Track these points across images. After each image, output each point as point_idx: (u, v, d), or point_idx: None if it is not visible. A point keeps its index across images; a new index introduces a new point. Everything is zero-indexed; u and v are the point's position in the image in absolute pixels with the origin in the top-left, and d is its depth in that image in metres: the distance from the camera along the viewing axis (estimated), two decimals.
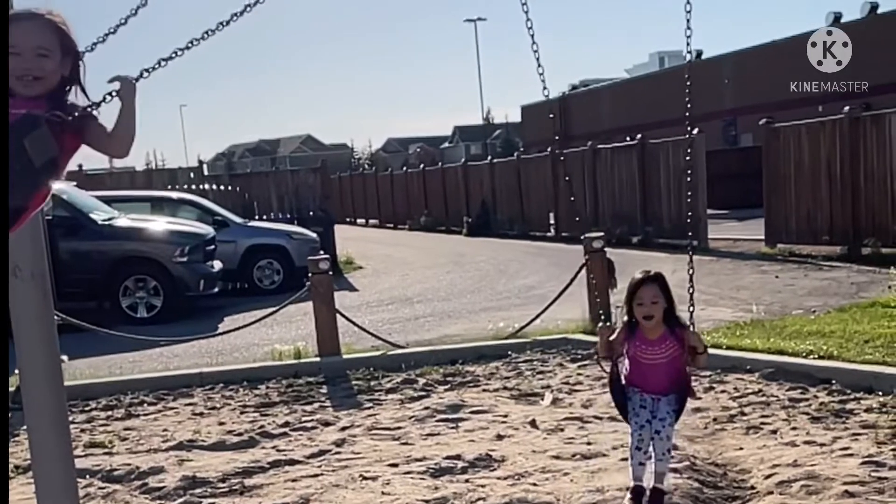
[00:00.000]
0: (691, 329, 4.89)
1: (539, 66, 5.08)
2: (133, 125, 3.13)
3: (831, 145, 17.59)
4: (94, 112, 3.07)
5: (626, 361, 5.01)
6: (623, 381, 5.01)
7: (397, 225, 41.26)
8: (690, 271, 5.11)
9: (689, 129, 5.64)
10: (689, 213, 5.57)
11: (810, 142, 18.14)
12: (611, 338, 5.01)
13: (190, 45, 3.62)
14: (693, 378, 8.28)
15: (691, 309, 5.01)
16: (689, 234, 5.58)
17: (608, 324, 5.17)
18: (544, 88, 5.16)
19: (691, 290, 5.04)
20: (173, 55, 3.56)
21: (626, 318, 5.01)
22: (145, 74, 3.40)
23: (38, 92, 2.91)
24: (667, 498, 5.02)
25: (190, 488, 6.08)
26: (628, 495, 4.94)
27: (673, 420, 4.90)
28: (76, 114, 3.00)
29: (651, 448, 4.83)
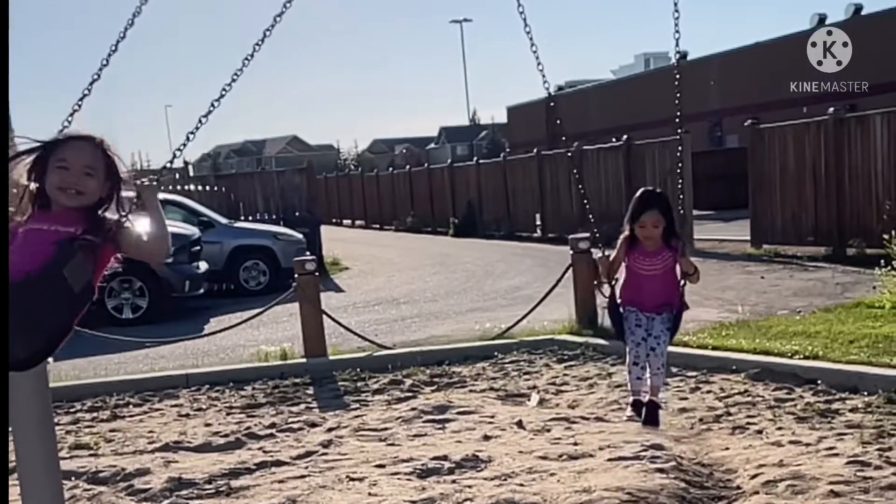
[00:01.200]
0: (682, 249, 5.25)
1: (538, 62, 5.17)
2: (163, 226, 3.39)
3: (816, 146, 17.66)
4: (126, 222, 3.27)
5: (623, 277, 5.37)
6: (619, 303, 5.37)
7: (383, 226, 41.23)
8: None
9: (678, 130, 5.69)
10: (682, 210, 5.65)
11: (795, 143, 18.21)
12: (611, 257, 5.35)
13: (224, 90, 4.16)
14: (678, 377, 8.35)
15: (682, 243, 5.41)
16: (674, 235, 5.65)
17: (606, 254, 5.45)
18: (545, 82, 5.23)
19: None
20: (211, 108, 3.77)
21: (625, 234, 5.34)
22: (191, 137, 3.83)
23: (75, 205, 3.14)
24: (660, 413, 5.15)
25: (176, 490, 6.05)
26: (629, 409, 5.13)
27: (667, 338, 5.24)
28: (110, 230, 3.23)
29: (647, 363, 5.05)
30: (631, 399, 5.04)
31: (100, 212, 3.23)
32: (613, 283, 5.33)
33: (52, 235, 3.07)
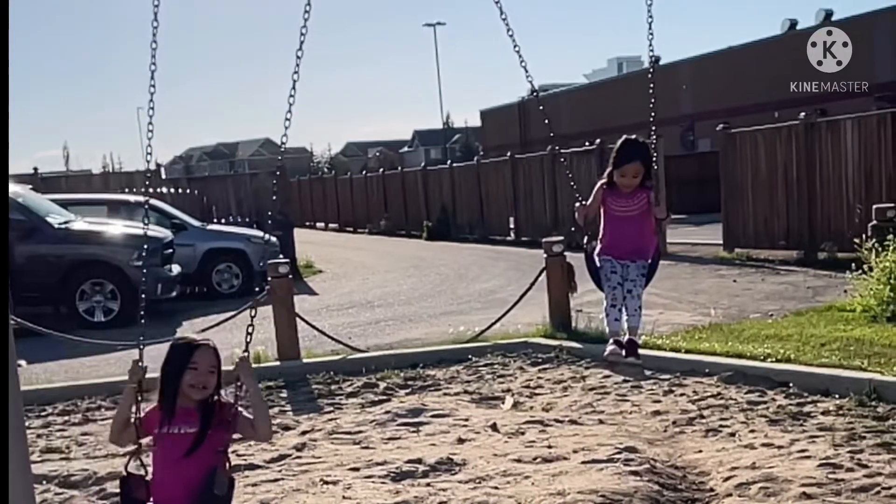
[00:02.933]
0: (658, 204, 5.32)
1: (522, 60, 5.23)
2: (264, 406, 4.10)
3: (787, 151, 17.77)
4: (240, 409, 3.95)
5: (601, 225, 5.43)
6: (597, 252, 5.41)
7: (357, 229, 41.16)
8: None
9: (651, 134, 5.70)
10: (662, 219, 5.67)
11: (767, 147, 18.31)
12: (588, 202, 5.45)
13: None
14: (651, 380, 8.38)
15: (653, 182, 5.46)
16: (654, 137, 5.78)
17: (584, 202, 5.54)
18: (528, 75, 5.29)
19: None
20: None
21: (604, 180, 5.43)
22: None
23: (200, 398, 3.84)
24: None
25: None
26: (608, 346, 5.23)
27: (643, 283, 5.26)
28: (230, 421, 3.93)
29: (624, 306, 5.10)
30: (611, 341, 5.10)
31: (214, 399, 3.91)
32: (589, 233, 5.44)
33: (186, 442, 3.76)
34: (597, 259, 5.32)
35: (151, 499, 3.82)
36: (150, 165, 4.27)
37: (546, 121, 6.02)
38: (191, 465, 3.74)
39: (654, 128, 5.70)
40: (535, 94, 5.40)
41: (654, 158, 5.38)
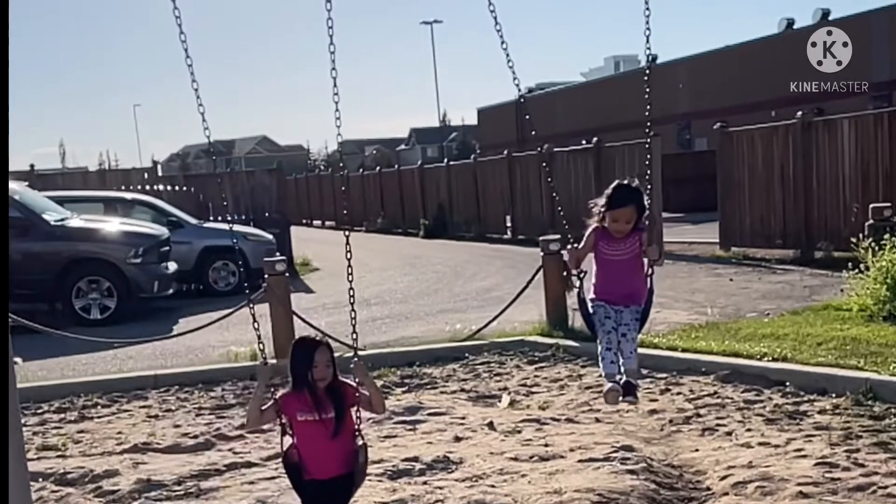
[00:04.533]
0: (651, 245, 5.19)
1: (509, 60, 5.16)
2: (378, 391, 4.70)
3: (784, 150, 17.78)
4: (362, 390, 4.56)
5: (593, 270, 5.30)
6: (590, 297, 5.28)
7: (353, 227, 41.09)
8: (651, 272, 5.23)
9: (647, 132, 5.69)
10: (647, 216, 5.57)
11: (764, 146, 18.32)
12: (579, 246, 5.31)
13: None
14: (648, 379, 8.38)
15: (647, 222, 5.30)
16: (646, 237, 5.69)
17: (576, 245, 5.39)
18: (514, 78, 5.23)
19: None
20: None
21: (595, 225, 5.29)
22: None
23: (323, 387, 4.40)
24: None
25: (145, 491, 6.02)
26: (606, 386, 5.08)
27: (637, 326, 5.14)
28: (358, 399, 4.54)
29: (619, 350, 5.05)
30: (607, 385, 5.05)
31: (308, 381, 4.42)
32: (582, 275, 5.34)
33: (327, 427, 4.39)
34: (590, 304, 5.26)
35: (308, 473, 4.50)
36: (209, 139, 4.62)
37: (527, 116, 5.97)
38: (336, 443, 4.43)
39: (648, 129, 5.67)
40: (521, 98, 5.27)
41: (648, 203, 5.26)
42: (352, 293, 5.05)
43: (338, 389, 4.51)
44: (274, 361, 5.07)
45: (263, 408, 4.55)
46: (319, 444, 4.46)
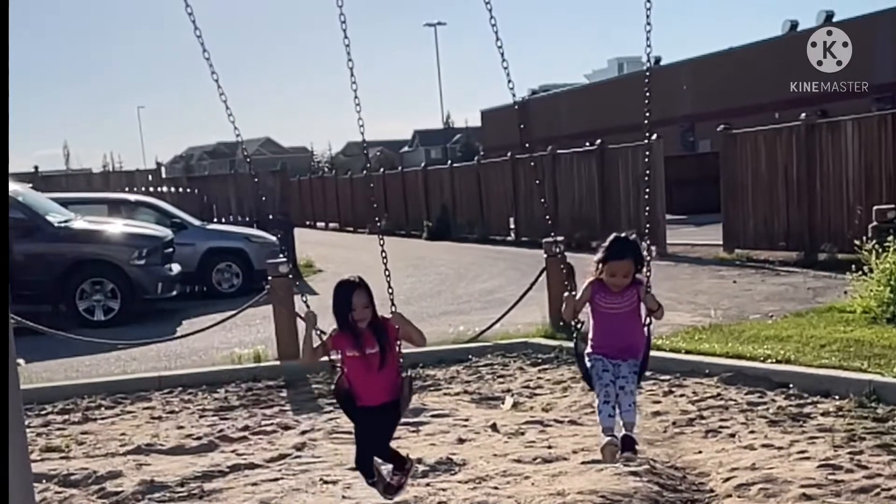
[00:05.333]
0: (647, 289, 5.09)
1: (504, 61, 5.12)
2: (416, 329, 5.25)
3: (788, 152, 17.77)
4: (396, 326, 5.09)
5: (590, 323, 5.24)
6: (587, 351, 5.22)
7: (357, 229, 41.14)
8: (648, 274, 5.20)
9: (647, 134, 5.67)
10: (647, 214, 5.62)
11: (767, 148, 18.31)
12: (576, 297, 5.21)
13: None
14: (651, 381, 8.37)
15: (648, 273, 5.23)
16: (647, 238, 5.67)
17: (574, 292, 5.30)
18: (509, 81, 5.19)
19: (649, 289, 5.12)
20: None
21: (591, 279, 5.21)
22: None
23: (364, 326, 4.94)
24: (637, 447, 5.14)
25: (148, 493, 6.03)
26: (604, 440, 5.04)
27: (635, 379, 5.08)
28: (396, 332, 5.09)
29: (617, 403, 4.98)
30: (604, 439, 4.95)
31: (376, 318, 5.02)
32: (579, 325, 5.29)
33: (371, 362, 4.96)
34: (587, 359, 5.17)
35: (360, 401, 4.98)
36: (239, 138, 5.27)
37: (521, 125, 5.95)
38: (382, 376, 4.92)
39: (648, 133, 5.64)
40: (515, 104, 5.24)
41: (647, 257, 5.20)
42: (384, 255, 5.51)
43: (380, 326, 5.00)
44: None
45: (315, 346, 5.12)
46: (366, 377, 4.95)
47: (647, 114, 5.41)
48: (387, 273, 5.33)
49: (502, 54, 5.09)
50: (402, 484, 5.29)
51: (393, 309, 5.11)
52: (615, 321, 5.09)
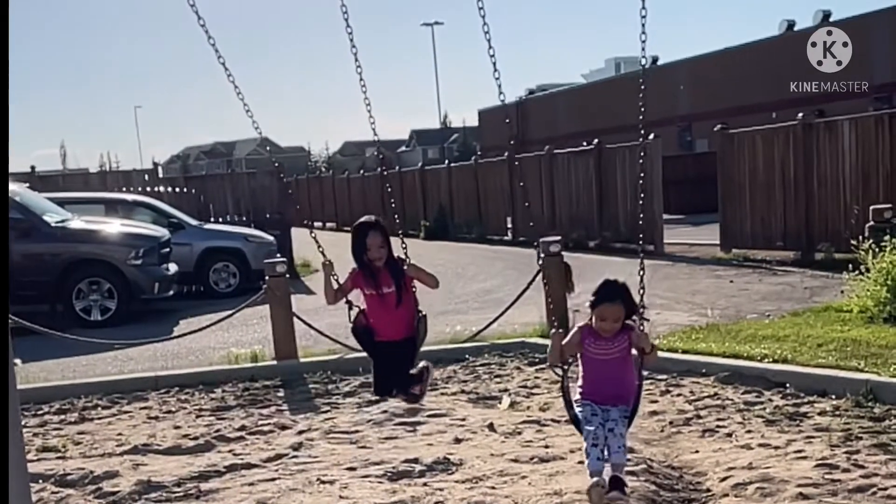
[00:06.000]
0: (640, 329, 4.91)
1: (495, 70, 5.08)
2: (430, 275, 5.52)
3: (785, 151, 17.78)
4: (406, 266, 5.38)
5: (579, 368, 5.02)
6: (576, 396, 5.01)
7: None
8: (641, 272, 5.15)
9: (642, 134, 5.65)
10: (641, 216, 5.50)
11: (764, 148, 18.32)
12: (563, 341, 5.00)
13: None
14: (649, 380, 8.37)
15: (642, 310, 5.04)
16: (641, 238, 5.66)
17: (560, 330, 5.14)
18: (500, 93, 5.17)
19: (642, 292, 5.06)
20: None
21: (581, 323, 5.01)
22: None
23: (379, 265, 5.21)
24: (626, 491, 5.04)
25: (145, 493, 6.03)
26: (590, 482, 4.77)
27: (625, 423, 4.88)
28: (407, 271, 5.36)
29: (606, 445, 4.78)
30: (591, 481, 4.67)
31: (393, 260, 5.32)
32: (566, 366, 5.07)
33: (388, 301, 5.28)
34: (576, 406, 4.96)
35: (378, 336, 5.33)
36: (258, 132, 5.81)
37: (507, 119, 5.92)
38: (398, 313, 5.22)
39: (643, 135, 5.61)
40: (503, 102, 5.19)
41: (641, 308, 4.96)
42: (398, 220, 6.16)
43: (396, 267, 5.25)
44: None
45: (335, 288, 5.41)
46: (383, 314, 5.25)
47: (641, 118, 5.36)
48: (401, 235, 5.60)
49: (494, 64, 5.06)
50: (424, 390, 5.71)
51: (408, 260, 5.39)
52: (605, 368, 4.91)
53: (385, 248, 5.20)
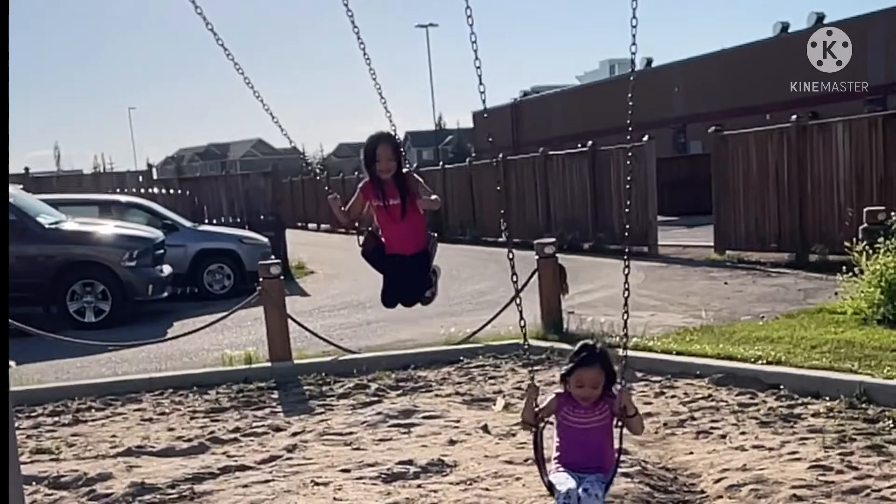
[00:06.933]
0: (623, 386, 4.59)
1: (480, 84, 5.00)
2: (429, 193, 5.54)
3: (779, 153, 17.81)
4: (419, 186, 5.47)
5: (554, 436, 4.69)
6: (551, 464, 4.67)
7: (349, 230, 41.05)
8: (626, 271, 4.99)
9: (629, 137, 5.63)
10: (627, 223, 5.45)
11: (758, 150, 18.35)
12: (538, 406, 4.67)
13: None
14: (643, 381, 8.38)
15: (625, 317, 4.94)
16: (626, 237, 5.63)
17: (535, 384, 4.79)
18: (483, 102, 5.08)
19: (626, 294, 4.97)
20: None
21: (558, 391, 4.67)
22: None
23: (387, 178, 5.34)
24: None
25: (139, 495, 6.02)
26: None
27: (602, 487, 4.49)
28: (416, 192, 5.40)
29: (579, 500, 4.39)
30: None
31: (400, 170, 5.40)
32: (541, 427, 4.70)
33: (393, 212, 5.38)
34: (550, 474, 4.57)
35: (389, 248, 5.50)
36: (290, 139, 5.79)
37: (490, 139, 5.87)
38: (405, 226, 5.36)
39: (630, 137, 5.58)
40: (484, 112, 5.23)
41: (620, 375, 4.62)
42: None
43: (403, 180, 5.37)
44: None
45: (346, 209, 5.63)
46: (391, 226, 5.43)
47: (630, 122, 5.32)
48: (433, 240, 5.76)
49: (480, 78, 5.00)
50: (434, 293, 6.04)
51: (415, 176, 5.55)
52: (583, 437, 4.55)
53: (394, 162, 5.32)
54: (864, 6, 44.46)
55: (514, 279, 5.23)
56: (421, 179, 5.58)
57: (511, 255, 5.17)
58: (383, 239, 5.53)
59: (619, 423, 4.58)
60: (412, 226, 5.45)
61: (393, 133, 5.47)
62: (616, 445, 4.66)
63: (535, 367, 9.49)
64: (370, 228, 5.64)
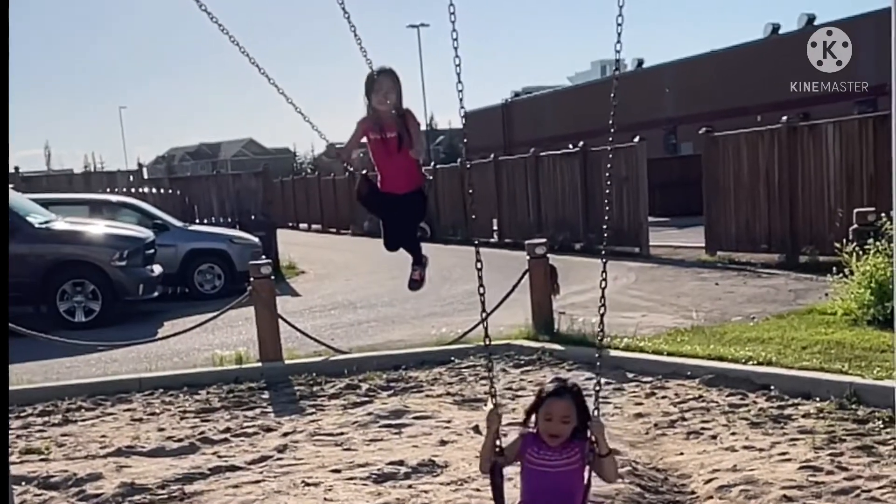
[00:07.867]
0: (595, 419, 4.11)
1: (459, 92, 4.75)
2: (420, 148, 5.55)
3: (769, 154, 17.84)
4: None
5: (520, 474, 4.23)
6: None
7: (340, 230, 41.08)
8: (603, 274, 4.67)
9: (612, 130, 5.59)
10: (606, 225, 5.36)
11: (749, 151, 18.38)
12: (500, 446, 4.19)
13: None
14: (634, 383, 8.38)
15: (602, 312, 4.52)
16: (605, 242, 5.55)
17: (497, 409, 4.25)
18: (461, 108, 4.82)
19: (602, 300, 4.57)
20: None
21: (524, 430, 4.17)
22: None
23: (384, 110, 5.27)
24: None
25: (128, 495, 6.00)
26: None
27: None
28: (409, 131, 5.35)
29: None
30: None
31: (400, 114, 5.33)
32: (499, 466, 4.22)
33: (390, 145, 5.30)
34: None
35: (384, 186, 5.48)
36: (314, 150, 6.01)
37: (465, 140, 5.87)
38: (399, 158, 5.33)
39: (612, 140, 5.52)
40: (464, 117, 5.06)
41: (594, 412, 4.17)
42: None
43: (402, 114, 5.36)
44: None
45: (345, 148, 5.62)
46: (387, 160, 5.40)
47: (612, 122, 5.27)
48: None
49: (460, 92, 4.83)
50: (423, 276, 6.33)
51: (413, 113, 5.51)
52: (549, 480, 4.06)
53: (394, 94, 5.32)
54: (854, 8, 44.56)
55: (479, 273, 4.94)
56: (420, 122, 5.66)
57: (477, 251, 5.05)
58: (378, 175, 5.55)
59: (590, 468, 4.07)
60: (408, 162, 5.45)
61: (389, 68, 5.48)
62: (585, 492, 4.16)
63: (526, 368, 9.55)
64: (364, 172, 5.72)
